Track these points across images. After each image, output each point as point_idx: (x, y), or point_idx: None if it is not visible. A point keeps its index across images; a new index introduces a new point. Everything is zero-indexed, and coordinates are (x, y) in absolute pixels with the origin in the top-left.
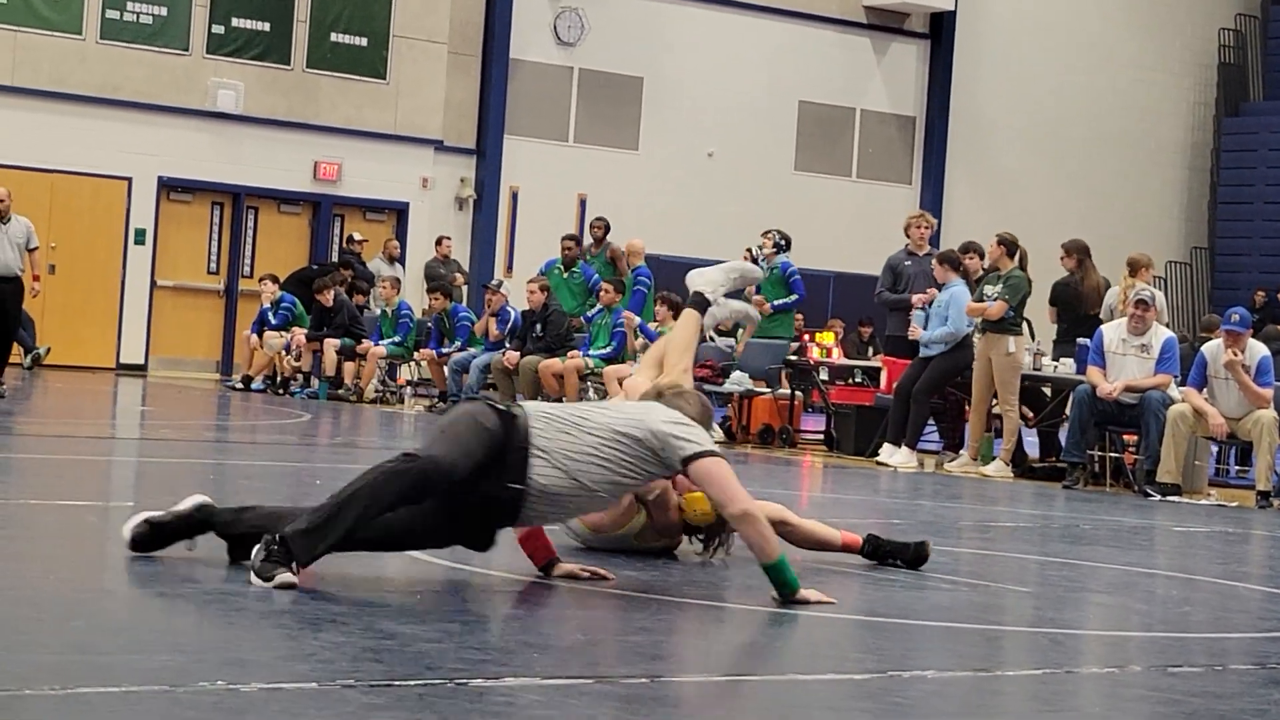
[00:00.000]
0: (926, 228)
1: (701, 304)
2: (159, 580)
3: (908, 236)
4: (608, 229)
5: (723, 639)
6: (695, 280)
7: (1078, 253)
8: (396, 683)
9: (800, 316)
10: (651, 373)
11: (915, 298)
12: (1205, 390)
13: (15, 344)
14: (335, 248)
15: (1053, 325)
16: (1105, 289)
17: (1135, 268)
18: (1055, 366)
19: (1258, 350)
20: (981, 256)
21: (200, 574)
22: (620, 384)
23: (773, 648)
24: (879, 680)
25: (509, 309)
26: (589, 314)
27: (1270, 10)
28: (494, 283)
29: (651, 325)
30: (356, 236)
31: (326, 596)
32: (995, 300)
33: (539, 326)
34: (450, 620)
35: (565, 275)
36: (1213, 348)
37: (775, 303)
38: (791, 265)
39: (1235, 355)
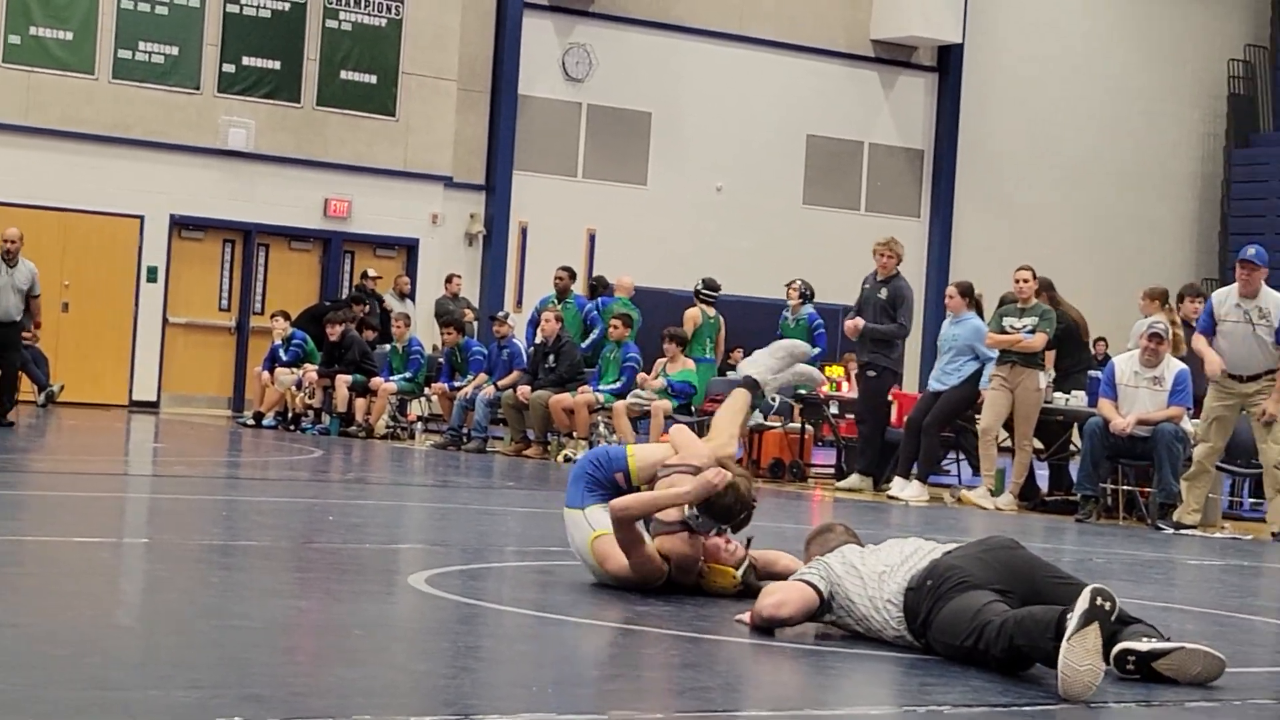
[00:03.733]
0: (890, 257)
1: (751, 385)
2: (174, 615)
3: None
4: (573, 277)
5: (738, 674)
6: (744, 366)
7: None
8: (413, 718)
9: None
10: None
11: (846, 324)
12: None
13: (30, 381)
14: (346, 284)
15: None
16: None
17: (1164, 300)
18: (1067, 399)
19: (1276, 302)
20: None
21: (215, 609)
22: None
23: (786, 681)
24: (893, 714)
25: (514, 341)
26: (583, 345)
27: (1279, 41)
28: (501, 314)
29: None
30: (371, 273)
31: (341, 631)
32: (1035, 333)
33: (552, 357)
34: (464, 655)
35: (559, 306)
36: (1220, 294)
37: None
38: (818, 318)
39: (1246, 300)
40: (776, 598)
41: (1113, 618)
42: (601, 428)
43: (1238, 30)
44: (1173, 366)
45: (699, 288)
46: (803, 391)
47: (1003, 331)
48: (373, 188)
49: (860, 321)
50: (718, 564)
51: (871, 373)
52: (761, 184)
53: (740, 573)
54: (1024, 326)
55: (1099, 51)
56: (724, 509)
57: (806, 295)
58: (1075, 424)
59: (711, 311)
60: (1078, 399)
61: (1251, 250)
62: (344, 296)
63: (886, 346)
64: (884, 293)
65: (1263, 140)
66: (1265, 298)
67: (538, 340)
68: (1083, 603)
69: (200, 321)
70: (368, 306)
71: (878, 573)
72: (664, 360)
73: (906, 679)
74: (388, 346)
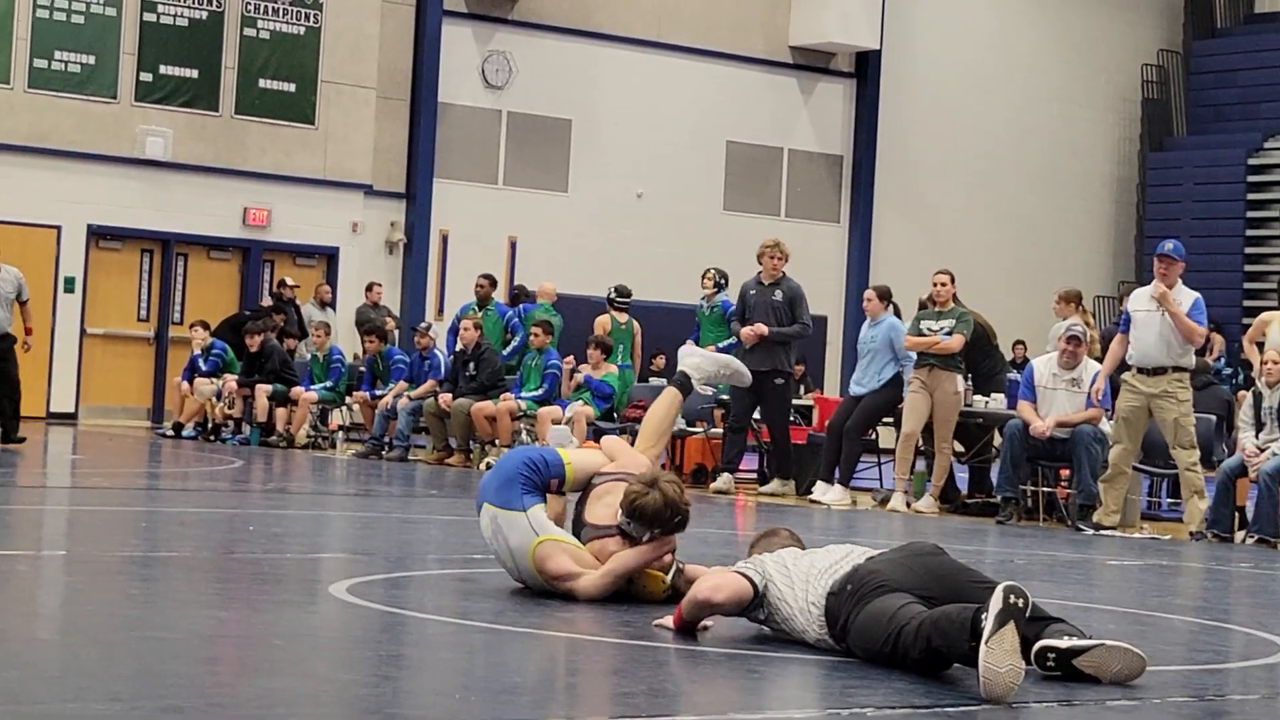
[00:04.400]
0: (780, 259)
1: (685, 385)
2: (93, 627)
3: (760, 265)
4: (494, 285)
5: (662, 679)
6: (686, 361)
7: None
8: None
9: None
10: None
11: (743, 331)
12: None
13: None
14: (266, 293)
15: None
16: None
17: (1078, 302)
18: (986, 402)
19: (1187, 296)
20: None
21: (134, 621)
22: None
23: (710, 685)
24: (817, 718)
25: (436, 352)
26: (504, 353)
27: (1192, 46)
28: (423, 325)
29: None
30: (289, 281)
31: (262, 641)
32: (952, 335)
33: (472, 365)
34: (387, 664)
35: (480, 314)
36: (1137, 291)
37: (720, 345)
38: (731, 305)
39: (1163, 290)
40: (713, 582)
41: (1027, 614)
42: (524, 435)
43: (1151, 36)
44: (1090, 368)
45: (610, 295)
46: (723, 396)
47: (920, 334)
48: (292, 196)
49: (763, 327)
50: (649, 571)
51: (779, 380)
52: (682, 190)
53: (669, 578)
54: (941, 329)
55: (1015, 57)
56: (655, 514)
57: (721, 284)
58: (995, 427)
59: (623, 318)
60: (997, 402)
61: (1169, 245)
62: (263, 306)
63: (785, 350)
64: (779, 294)
65: (1176, 144)
66: (1180, 291)
67: (457, 348)
68: (996, 602)
69: (118, 332)
70: (284, 316)
71: (805, 576)
72: (587, 367)
73: (829, 682)
74: (307, 353)
